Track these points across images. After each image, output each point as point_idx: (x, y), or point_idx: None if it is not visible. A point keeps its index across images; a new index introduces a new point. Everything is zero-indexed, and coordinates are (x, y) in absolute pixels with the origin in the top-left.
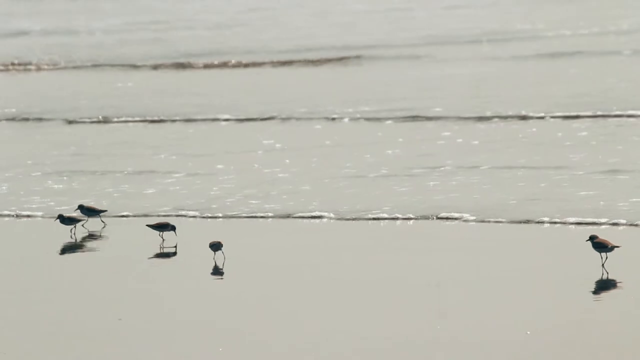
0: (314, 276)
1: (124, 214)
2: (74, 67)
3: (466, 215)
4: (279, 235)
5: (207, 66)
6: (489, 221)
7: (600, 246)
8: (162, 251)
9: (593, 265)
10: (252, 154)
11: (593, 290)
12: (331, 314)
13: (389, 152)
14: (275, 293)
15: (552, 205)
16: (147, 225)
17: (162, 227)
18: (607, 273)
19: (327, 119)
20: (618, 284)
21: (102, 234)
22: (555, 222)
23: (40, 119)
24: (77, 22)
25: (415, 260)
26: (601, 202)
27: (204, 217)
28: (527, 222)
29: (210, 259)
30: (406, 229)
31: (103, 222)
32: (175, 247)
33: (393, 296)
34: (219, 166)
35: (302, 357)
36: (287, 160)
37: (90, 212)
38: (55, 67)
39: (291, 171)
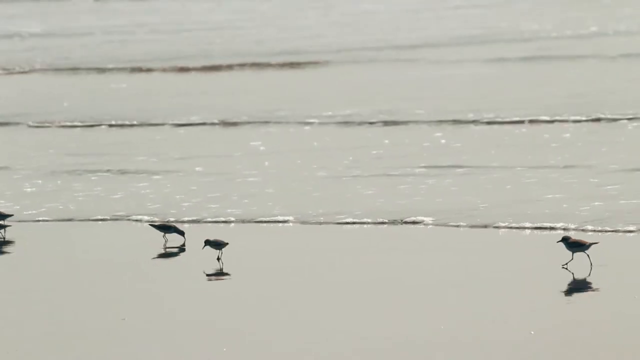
0: (307, 277)
1: (98, 217)
2: (69, 69)
3: (427, 219)
4: (252, 238)
5: (196, 69)
6: (449, 225)
7: (576, 245)
8: (165, 252)
9: (580, 267)
10: (235, 157)
11: (586, 290)
12: (330, 314)
13: (373, 152)
14: (273, 294)
15: (515, 209)
16: (150, 224)
17: (165, 227)
18: (574, 273)
19: (317, 122)
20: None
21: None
22: (511, 227)
23: (19, 123)
24: (69, 24)
25: (407, 261)
26: (564, 205)
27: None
28: (485, 226)
29: (195, 261)
30: (377, 232)
31: (4, 228)
32: (182, 247)
33: (390, 296)
34: (198, 168)
35: (302, 357)
36: (267, 163)
37: None
38: (44, 68)
39: (267, 174)
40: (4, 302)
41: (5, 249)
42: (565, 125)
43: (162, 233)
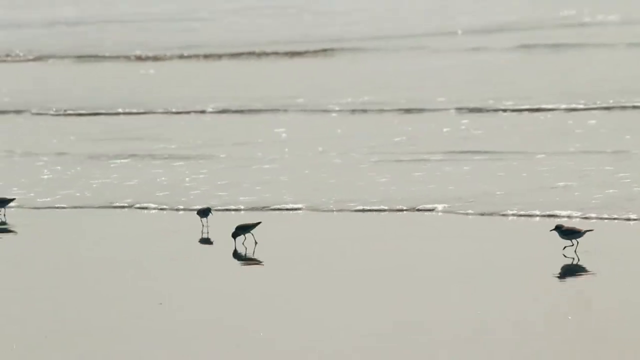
0: (316, 266)
1: (105, 205)
2: (96, 56)
3: (439, 207)
4: (263, 226)
5: (219, 56)
6: (459, 213)
7: (570, 233)
8: (202, 236)
9: (583, 255)
10: (255, 145)
11: (589, 277)
12: (338, 307)
13: (392, 140)
14: (283, 285)
15: (528, 197)
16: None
17: (202, 212)
18: (567, 258)
19: (337, 109)
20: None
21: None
22: (521, 215)
23: (37, 111)
24: (103, 12)
25: (418, 249)
26: (576, 193)
27: (161, 209)
28: (497, 214)
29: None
30: (388, 219)
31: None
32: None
33: (401, 285)
34: (222, 155)
35: (306, 355)
36: (286, 149)
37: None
38: (70, 55)
39: (285, 161)
40: (8, 300)
41: (14, 236)
42: (590, 112)
43: (200, 218)
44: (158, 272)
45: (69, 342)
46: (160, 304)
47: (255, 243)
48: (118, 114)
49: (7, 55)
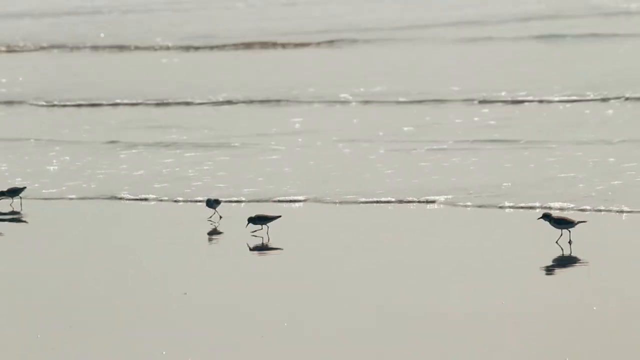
0: (314, 260)
1: (126, 195)
2: (94, 47)
3: (441, 199)
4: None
5: (222, 47)
6: (459, 205)
7: (563, 222)
8: (216, 229)
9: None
10: (272, 135)
11: (584, 270)
12: (347, 300)
13: (402, 130)
14: (285, 276)
15: (533, 189)
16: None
17: (210, 203)
18: (563, 250)
19: (351, 99)
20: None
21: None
22: (521, 207)
23: (49, 102)
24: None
25: (418, 242)
26: (580, 185)
27: (161, 201)
28: (490, 206)
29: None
30: (390, 211)
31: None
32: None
33: (395, 279)
34: (236, 144)
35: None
36: (300, 139)
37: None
38: (88, 46)
39: (294, 152)
40: (7, 299)
41: (26, 226)
42: (606, 103)
43: (213, 208)
44: (175, 263)
45: (96, 333)
46: (185, 294)
47: (267, 234)
48: (131, 104)
49: (7, 46)
